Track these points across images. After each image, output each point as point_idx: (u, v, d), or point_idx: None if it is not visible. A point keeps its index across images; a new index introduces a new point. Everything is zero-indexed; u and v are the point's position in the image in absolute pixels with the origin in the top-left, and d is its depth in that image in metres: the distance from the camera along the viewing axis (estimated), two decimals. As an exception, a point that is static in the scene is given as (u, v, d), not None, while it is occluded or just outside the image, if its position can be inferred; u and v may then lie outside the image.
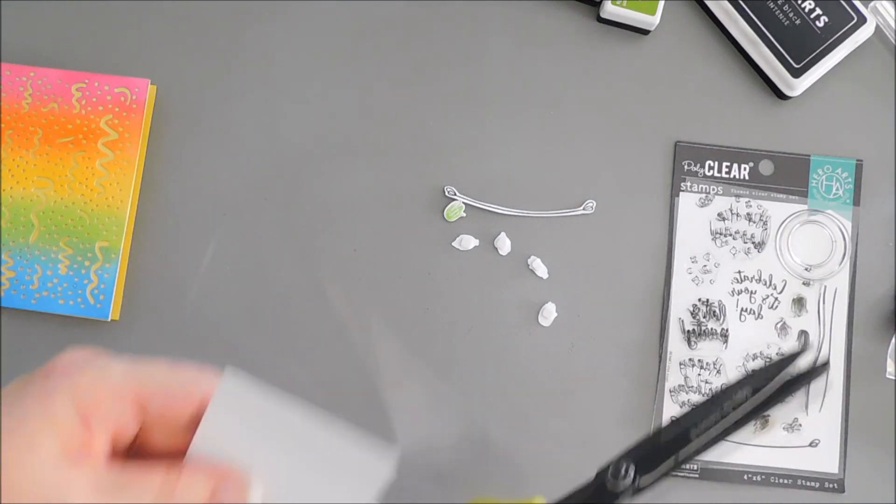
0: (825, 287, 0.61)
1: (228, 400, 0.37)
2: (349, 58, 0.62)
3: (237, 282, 0.60)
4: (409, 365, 0.59)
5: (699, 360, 0.60)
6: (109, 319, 0.58)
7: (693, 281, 0.60)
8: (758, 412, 0.40)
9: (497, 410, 0.59)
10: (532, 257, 0.60)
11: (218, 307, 0.59)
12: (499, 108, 0.62)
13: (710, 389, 0.59)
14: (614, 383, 0.59)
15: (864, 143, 0.62)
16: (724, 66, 0.62)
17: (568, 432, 0.59)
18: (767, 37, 0.60)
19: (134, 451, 0.38)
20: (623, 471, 0.39)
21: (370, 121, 0.61)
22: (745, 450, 0.59)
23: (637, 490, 0.40)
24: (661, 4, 0.60)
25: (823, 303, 0.60)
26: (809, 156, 0.61)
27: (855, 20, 0.60)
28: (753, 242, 0.61)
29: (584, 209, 0.61)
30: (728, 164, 0.61)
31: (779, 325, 0.60)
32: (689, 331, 0.60)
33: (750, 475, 0.59)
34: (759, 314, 0.60)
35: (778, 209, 0.61)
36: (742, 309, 0.60)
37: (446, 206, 0.60)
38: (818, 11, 0.61)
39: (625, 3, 0.60)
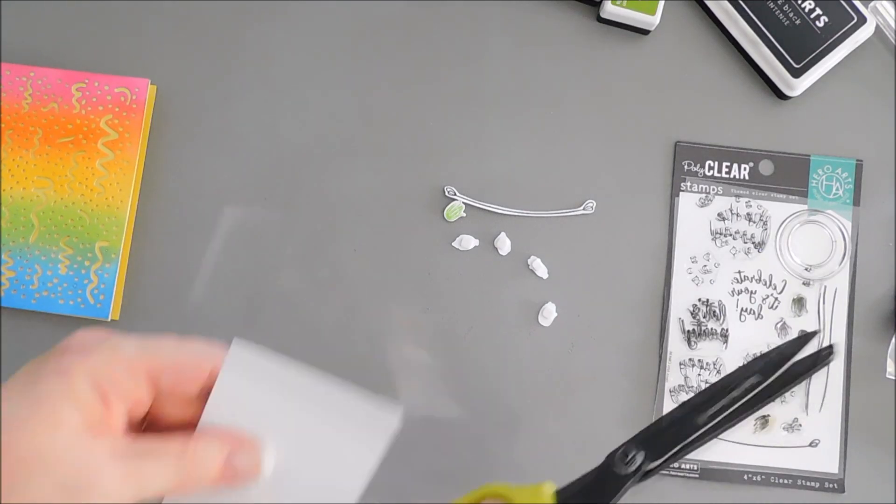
0: (825, 287, 0.61)
1: (237, 369, 0.38)
2: (349, 58, 0.62)
3: (237, 282, 0.60)
4: (412, 362, 0.59)
5: (699, 360, 0.60)
6: (109, 319, 0.58)
7: (693, 281, 0.60)
8: (766, 397, 0.40)
9: (497, 410, 0.59)
10: (532, 257, 0.60)
11: (218, 307, 0.59)
12: (499, 108, 0.62)
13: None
14: (614, 383, 0.59)
15: (864, 143, 0.62)
16: (724, 66, 0.62)
17: (568, 432, 0.59)
18: (767, 37, 0.60)
19: (146, 425, 0.39)
20: (631, 455, 0.39)
21: (370, 121, 0.61)
22: (745, 450, 0.59)
23: (644, 475, 0.40)
24: (661, 4, 0.60)
25: (823, 303, 0.60)
26: (809, 156, 0.62)
27: (855, 20, 0.60)
28: (753, 242, 0.61)
29: (584, 209, 0.61)
30: (728, 164, 0.61)
31: (779, 325, 0.60)
32: (689, 331, 0.60)
33: (750, 475, 0.59)
34: (759, 314, 0.60)
35: (778, 209, 0.61)
36: (742, 309, 0.60)
37: (446, 206, 0.60)
38: (818, 11, 0.61)
39: (625, 3, 0.60)
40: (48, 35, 0.61)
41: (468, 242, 0.60)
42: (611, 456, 0.40)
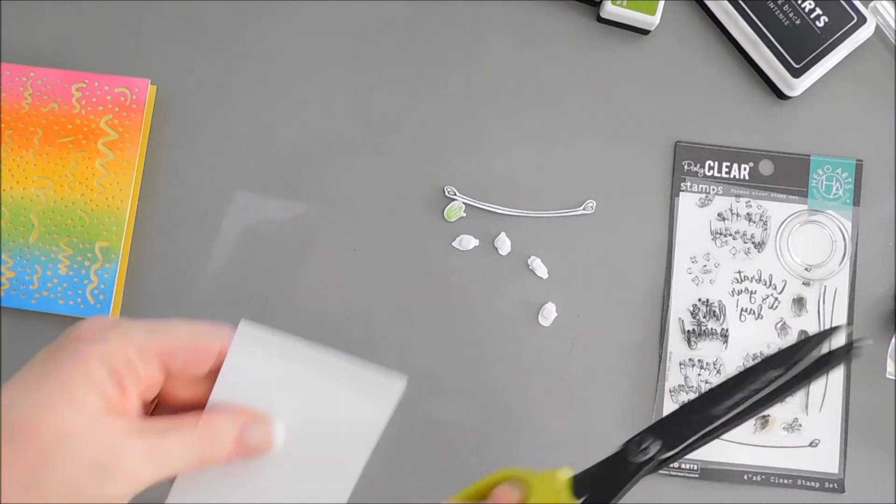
0: (825, 287, 0.61)
1: (245, 348, 0.39)
2: (349, 58, 0.62)
3: (237, 282, 0.60)
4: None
5: (699, 360, 0.60)
6: (109, 319, 0.58)
7: (693, 281, 0.60)
8: (786, 390, 0.40)
9: (497, 410, 0.59)
10: (532, 257, 0.60)
11: (218, 307, 0.59)
12: (499, 108, 0.62)
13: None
14: (614, 383, 0.59)
15: (864, 143, 0.62)
16: (724, 66, 0.62)
17: (568, 432, 0.59)
18: (767, 37, 0.60)
19: (155, 406, 0.40)
20: (646, 444, 0.39)
21: (370, 121, 0.61)
22: (745, 450, 0.59)
23: (659, 464, 0.40)
24: (661, 4, 0.60)
25: (823, 303, 0.60)
26: (809, 156, 0.62)
27: (855, 20, 0.60)
28: (753, 242, 0.61)
29: (584, 209, 0.61)
30: (728, 164, 0.61)
31: (779, 325, 0.60)
32: (689, 331, 0.60)
33: (750, 475, 0.59)
34: (759, 314, 0.60)
35: (778, 209, 0.61)
36: (742, 309, 0.60)
37: (446, 206, 0.60)
38: (818, 11, 0.61)
39: (625, 3, 0.60)
40: (48, 35, 0.61)
41: (468, 242, 0.60)
42: (626, 444, 0.40)
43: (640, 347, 0.60)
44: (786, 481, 0.59)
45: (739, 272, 0.60)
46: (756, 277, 0.60)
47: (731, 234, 0.61)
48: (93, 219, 0.58)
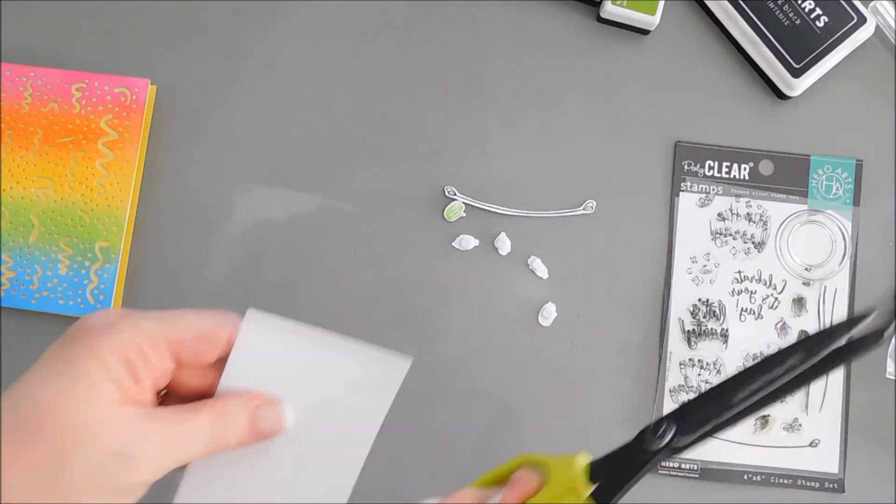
0: (825, 287, 0.61)
1: (253, 335, 0.40)
2: (349, 58, 0.62)
3: (237, 281, 0.60)
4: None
5: (699, 360, 0.60)
6: (109, 319, 0.58)
7: (693, 281, 0.60)
8: (807, 379, 0.40)
9: (497, 410, 0.59)
10: (532, 257, 0.60)
11: (218, 307, 0.59)
12: (499, 108, 0.62)
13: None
14: (614, 383, 0.59)
15: (864, 143, 0.62)
16: (724, 66, 0.63)
17: (568, 432, 0.59)
18: (767, 37, 0.60)
19: (164, 395, 0.41)
20: (662, 430, 0.39)
21: (370, 121, 0.61)
22: (745, 450, 0.59)
23: (674, 450, 0.40)
24: (661, 4, 0.60)
25: (823, 303, 0.60)
26: (809, 156, 0.62)
27: (855, 20, 0.60)
28: (753, 242, 0.61)
29: (584, 209, 0.61)
30: (728, 164, 0.61)
31: (779, 325, 0.60)
32: (689, 331, 0.60)
33: (750, 475, 0.59)
34: (759, 314, 0.60)
35: (778, 209, 0.61)
36: (742, 309, 0.60)
37: (446, 206, 0.60)
38: (818, 11, 0.61)
39: (625, 3, 0.60)
40: (48, 35, 0.61)
41: (468, 242, 0.60)
42: (643, 431, 0.40)
43: (640, 347, 0.60)
44: (786, 481, 0.59)
45: (739, 272, 0.60)
46: (756, 277, 0.60)
47: (731, 234, 0.61)
48: (93, 219, 0.58)
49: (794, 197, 0.61)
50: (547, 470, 0.42)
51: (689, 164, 0.61)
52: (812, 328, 0.60)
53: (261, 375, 0.41)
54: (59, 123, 0.59)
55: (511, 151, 0.61)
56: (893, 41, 0.63)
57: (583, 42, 0.62)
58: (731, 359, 0.60)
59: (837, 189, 0.61)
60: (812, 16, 0.61)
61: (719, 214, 0.61)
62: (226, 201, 0.60)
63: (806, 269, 0.61)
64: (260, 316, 0.41)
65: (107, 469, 0.36)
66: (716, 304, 0.60)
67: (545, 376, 0.59)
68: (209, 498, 0.41)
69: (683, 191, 0.61)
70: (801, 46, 0.60)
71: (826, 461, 0.59)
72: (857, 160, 0.62)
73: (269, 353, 0.41)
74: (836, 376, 0.60)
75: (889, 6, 0.62)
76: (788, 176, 0.61)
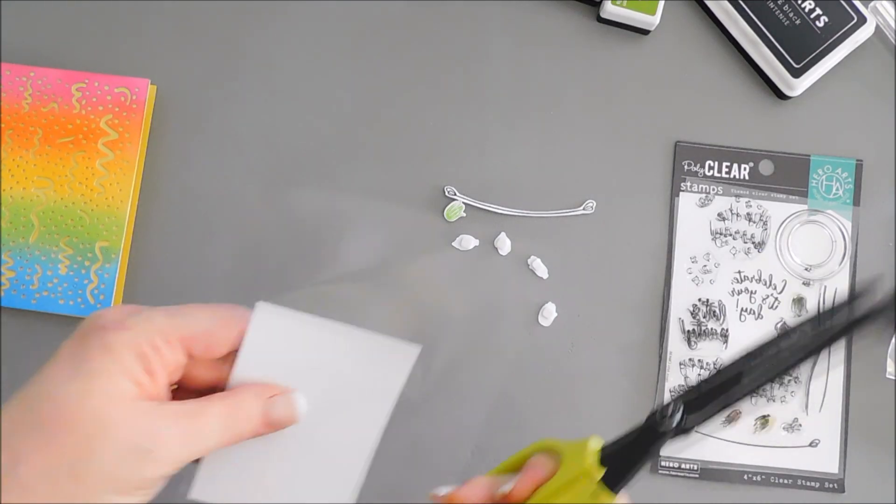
0: (825, 287, 0.61)
1: (263, 327, 0.41)
2: (349, 58, 0.62)
3: (237, 281, 0.60)
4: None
5: (699, 360, 0.60)
6: (109, 319, 0.58)
7: (693, 281, 0.60)
8: (813, 350, 0.40)
9: (497, 410, 0.59)
10: (532, 257, 0.60)
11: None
12: (499, 108, 0.62)
13: (710, 389, 0.59)
14: (614, 383, 0.59)
15: (864, 143, 0.62)
16: (724, 66, 0.62)
17: (568, 432, 0.59)
18: (767, 37, 0.60)
19: (176, 390, 0.42)
20: (671, 412, 0.40)
21: (370, 121, 0.61)
22: (745, 450, 0.59)
23: (683, 430, 0.40)
24: (661, 4, 0.60)
25: (823, 303, 0.60)
26: (809, 156, 0.62)
27: (855, 20, 0.60)
28: (753, 242, 0.61)
29: (584, 209, 0.61)
30: (728, 164, 0.61)
31: (779, 326, 0.60)
32: (689, 331, 0.60)
33: (750, 475, 0.59)
34: (759, 314, 0.60)
35: (778, 209, 0.61)
36: (742, 309, 0.60)
37: (446, 206, 0.60)
38: (818, 11, 0.61)
39: (625, 3, 0.60)
40: (48, 35, 0.61)
41: (468, 242, 0.60)
42: (652, 414, 0.41)
43: (640, 347, 0.60)
44: (786, 481, 0.59)
45: (739, 272, 0.60)
46: (756, 277, 0.60)
47: (731, 234, 0.61)
48: (93, 219, 0.58)
49: (794, 197, 0.61)
50: (560, 455, 0.42)
51: (689, 164, 0.61)
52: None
53: (272, 366, 0.41)
54: (59, 123, 0.59)
55: (511, 151, 0.61)
56: (893, 41, 0.63)
57: (583, 42, 0.62)
58: (731, 359, 0.60)
59: (837, 189, 0.61)
60: (812, 16, 0.61)
61: (719, 214, 0.61)
62: (225, 201, 0.60)
63: (806, 269, 0.61)
64: (270, 308, 0.41)
65: (127, 464, 0.36)
66: (716, 304, 0.60)
67: (545, 376, 0.59)
68: (226, 489, 0.42)
69: (683, 191, 0.61)
70: (801, 46, 0.60)
71: (826, 461, 0.59)
72: (857, 160, 0.62)
73: (280, 343, 0.41)
74: (836, 376, 0.60)
75: (889, 6, 0.62)
76: (788, 176, 0.61)
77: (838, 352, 0.60)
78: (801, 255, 0.61)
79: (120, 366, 0.37)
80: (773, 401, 0.59)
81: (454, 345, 0.59)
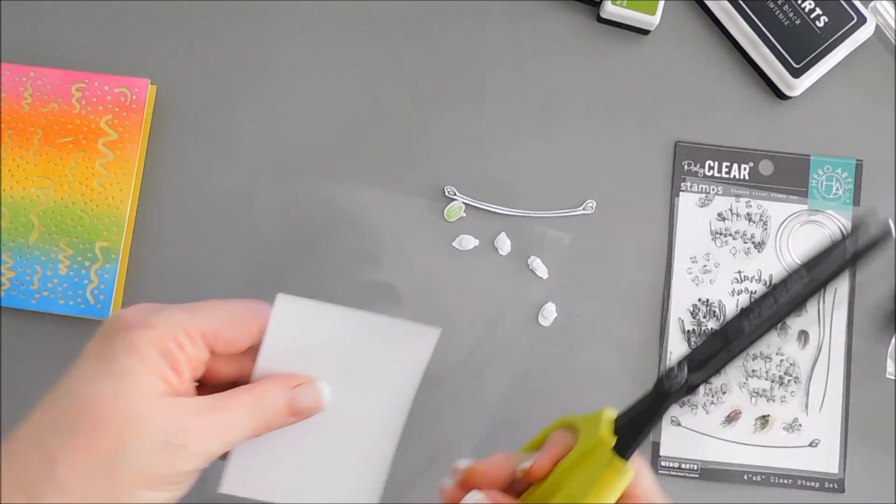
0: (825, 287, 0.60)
1: (284, 319, 0.41)
2: (349, 58, 0.62)
3: (237, 281, 0.60)
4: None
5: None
6: (109, 319, 0.58)
7: (693, 281, 0.60)
8: (813, 294, 0.40)
9: (497, 410, 0.59)
10: (532, 257, 0.60)
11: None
12: (499, 108, 0.62)
13: (710, 389, 0.59)
14: (614, 383, 0.59)
15: (864, 143, 0.62)
16: (724, 66, 0.63)
17: (568, 432, 0.59)
18: (767, 37, 0.60)
19: (198, 386, 0.42)
20: (676, 371, 0.40)
21: (370, 121, 0.61)
22: (745, 450, 0.59)
23: (690, 388, 0.40)
24: (661, 4, 0.60)
25: (823, 303, 0.60)
26: (809, 156, 0.62)
27: (855, 20, 0.60)
28: (753, 242, 0.61)
29: (584, 209, 0.61)
30: (728, 164, 0.61)
31: (779, 325, 0.60)
32: (689, 331, 0.60)
33: (750, 475, 0.59)
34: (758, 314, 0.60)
35: (778, 209, 0.61)
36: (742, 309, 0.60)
37: (446, 206, 0.60)
38: (818, 11, 0.61)
39: (625, 3, 0.60)
40: (48, 35, 0.61)
41: (468, 242, 0.60)
42: (660, 378, 0.41)
43: (640, 347, 0.60)
44: (786, 481, 0.59)
45: (739, 272, 0.60)
46: (756, 277, 0.60)
47: (731, 234, 0.61)
48: (93, 219, 0.58)
49: (794, 197, 0.61)
50: (578, 429, 0.43)
51: (689, 164, 0.61)
52: (812, 328, 0.60)
53: (295, 356, 0.42)
54: (59, 123, 0.59)
55: (511, 151, 0.61)
56: (893, 41, 0.63)
57: (583, 42, 0.62)
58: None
59: (837, 189, 0.61)
60: (812, 16, 0.61)
61: (719, 214, 0.61)
62: (225, 201, 0.60)
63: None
64: (291, 298, 0.41)
65: (160, 459, 0.37)
66: (716, 304, 0.60)
67: (545, 376, 0.59)
68: (255, 482, 0.42)
69: (683, 191, 0.61)
70: (801, 46, 0.60)
71: (826, 461, 0.59)
72: (857, 160, 0.62)
73: (302, 333, 0.42)
74: (837, 376, 0.60)
75: (889, 6, 0.62)
76: (788, 176, 0.61)
77: (838, 352, 0.60)
78: (801, 255, 0.61)
79: (147, 364, 0.38)
80: (773, 401, 0.59)
81: (454, 345, 0.59)
